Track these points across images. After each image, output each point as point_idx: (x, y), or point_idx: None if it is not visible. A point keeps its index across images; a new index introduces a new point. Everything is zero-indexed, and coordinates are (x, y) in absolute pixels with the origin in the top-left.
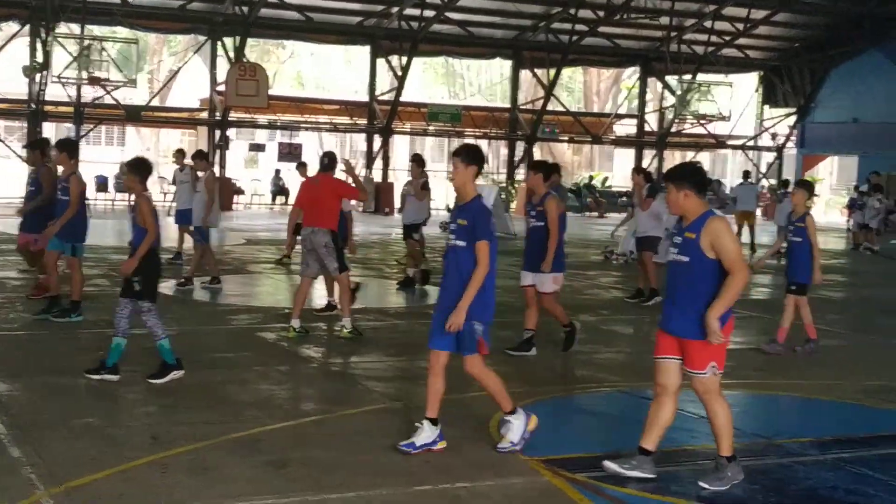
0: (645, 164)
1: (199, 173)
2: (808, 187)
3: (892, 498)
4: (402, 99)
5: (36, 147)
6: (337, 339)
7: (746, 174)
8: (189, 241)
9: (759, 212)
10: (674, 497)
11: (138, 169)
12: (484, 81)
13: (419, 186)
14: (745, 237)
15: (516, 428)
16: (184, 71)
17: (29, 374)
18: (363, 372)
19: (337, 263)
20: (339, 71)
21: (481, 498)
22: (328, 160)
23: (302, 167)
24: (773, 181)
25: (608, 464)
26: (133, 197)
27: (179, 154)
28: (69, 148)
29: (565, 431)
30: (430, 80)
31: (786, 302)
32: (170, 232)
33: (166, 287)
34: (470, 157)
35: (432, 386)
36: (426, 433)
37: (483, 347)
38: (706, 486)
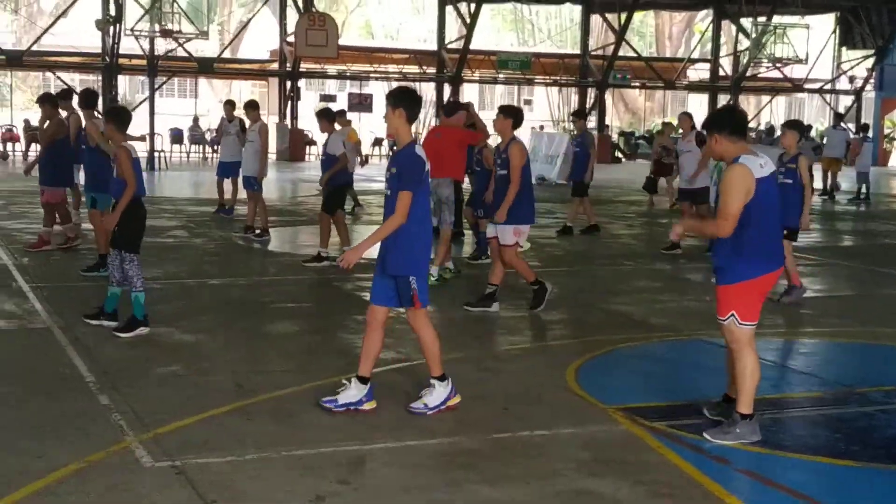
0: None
1: (251, 123)
2: (798, 127)
3: None
4: (470, 47)
5: (45, 101)
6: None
7: (839, 117)
8: (231, 193)
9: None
10: (754, 445)
11: (118, 117)
12: (553, 27)
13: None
14: (826, 182)
15: (438, 394)
16: (253, 22)
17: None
18: (438, 321)
19: (453, 217)
20: (408, 19)
21: (561, 445)
22: (449, 108)
23: (341, 115)
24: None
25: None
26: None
27: (230, 105)
28: (87, 100)
29: (641, 380)
30: (499, 26)
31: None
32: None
33: (238, 238)
34: (396, 100)
35: (367, 342)
36: (352, 391)
37: (417, 301)
38: (709, 437)
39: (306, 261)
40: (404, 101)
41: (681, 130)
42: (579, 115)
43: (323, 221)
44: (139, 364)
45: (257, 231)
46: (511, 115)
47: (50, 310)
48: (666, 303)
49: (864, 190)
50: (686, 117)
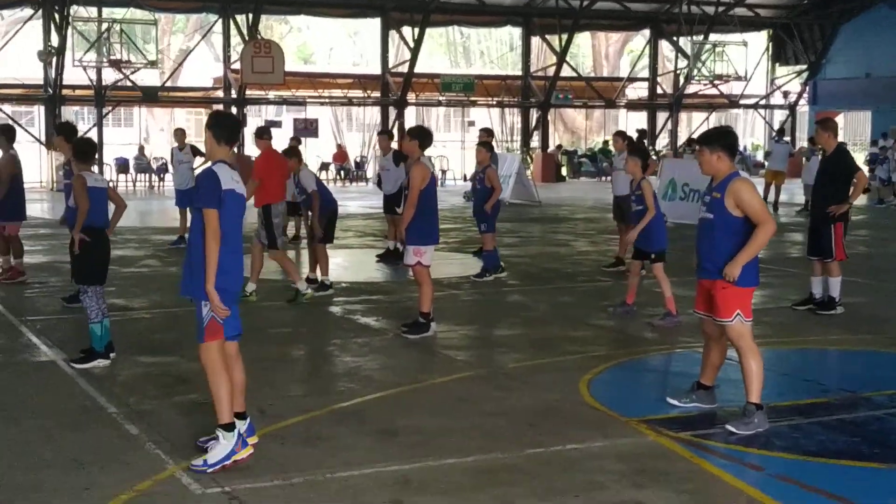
0: (658, 126)
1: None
2: (641, 155)
3: None
4: (408, 70)
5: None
6: (405, 311)
7: (781, 132)
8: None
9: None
10: (779, 451)
11: (81, 149)
12: (492, 50)
13: (391, 158)
14: (771, 196)
15: (221, 449)
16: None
17: (119, 355)
18: (440, 341)
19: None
20: (340, 43)
21: (595, 458)
22: (258, 132)
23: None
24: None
25: (732, 428)
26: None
27: (180, 133)
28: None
29: (652, 391)
30: (431, 49)
31: (633, 269)
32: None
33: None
34: (211, 124)
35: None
36: (220, 446)
37: (212, 333)
38: (733, 429)
39: (316, 289)
40: (217, 126)
41: (617, 150)
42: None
43: (319, 251)
44: (156, 393)
45: None
46: (416, 137)
47: (48, 343)
48: (651, 317)
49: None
50: (619, 136)
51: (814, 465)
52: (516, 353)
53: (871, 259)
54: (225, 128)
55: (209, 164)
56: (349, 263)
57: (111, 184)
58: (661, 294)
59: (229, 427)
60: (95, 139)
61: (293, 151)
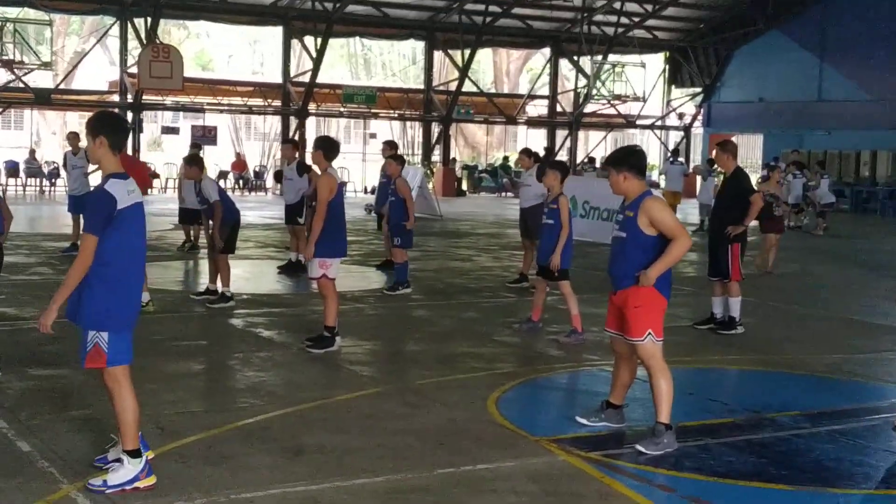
0: (557, 144)
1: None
2: (562, 168)
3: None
4: (310, 80)
5: None
6: (309, 325)
7: (675, 153)
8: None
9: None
10: (690, 472)
11: None
12: (394, 62)
13: (295, 168)
14: None
15: (124, 473)
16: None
17: (10, 367)
18: (344, 357)
19: None
20: (242, 51)
21: (507, 479)
22: None
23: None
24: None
25: (641, 447)
26: None
27: (74, 137)
28: None
29: (559, 410)
30: (334, 60)
31: (539, 286)
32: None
33: None
34: (96, 128)
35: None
36: (124, 470)
37: (94, 359)
38: (643, 449)
39: (211, 302)
40: (105, 130)
41: (522, 166)
42: (390, 144)
43: (221, 261)
44: (49, 408)
45: None
46: (322, 147)
47: None
48: (557, 334)
49: (707, 221)
50: (525, 155)
51: (723, 486)
52: (423, 369)
53: (767, 279)
54: (121, 132)
55: (108, 177)
56: (250, 274)
57: (1, 189)
58: (565, 311)
59: (135, 454)
60: None
61: (195, 159)
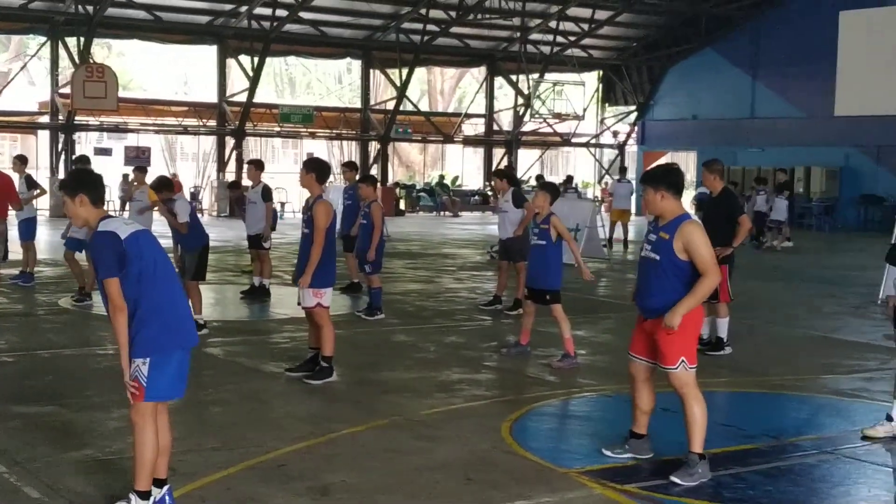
0: (494, 162)
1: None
2: (552, 190)
3: None
4: (244, 100)
5: None
6: (291, 353)
7: (623, 171)
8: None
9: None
10: (731, 503)
11: None
12: (320, 80)
13: (260, 191)
14: (619, 234)
15: None
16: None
17: None
18: (338, 386)
19: None
20: (165, 70)
21: None
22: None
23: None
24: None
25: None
26: None
27: (20, 161)
28: None
29: (577, 439)
30: (270, 79)
31: (528, 309)
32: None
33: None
34: (73, 188)
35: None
36: None
37: (134, 395)
38: (677, 480)
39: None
40: (84, 186)
41: (497, 189)
42: (350, 165)
43: (192, 290)
44: (46, 450)
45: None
46: (313, 170)
47: None
48: (546, 358)
49: None
50: (499, 177)
51: None
52: (423, 397)
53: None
54: (101, 187)
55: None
56: (213, 300)
57: None
58: (549, 333)
59: (145, 495)
60: None
61: (166, 184)
